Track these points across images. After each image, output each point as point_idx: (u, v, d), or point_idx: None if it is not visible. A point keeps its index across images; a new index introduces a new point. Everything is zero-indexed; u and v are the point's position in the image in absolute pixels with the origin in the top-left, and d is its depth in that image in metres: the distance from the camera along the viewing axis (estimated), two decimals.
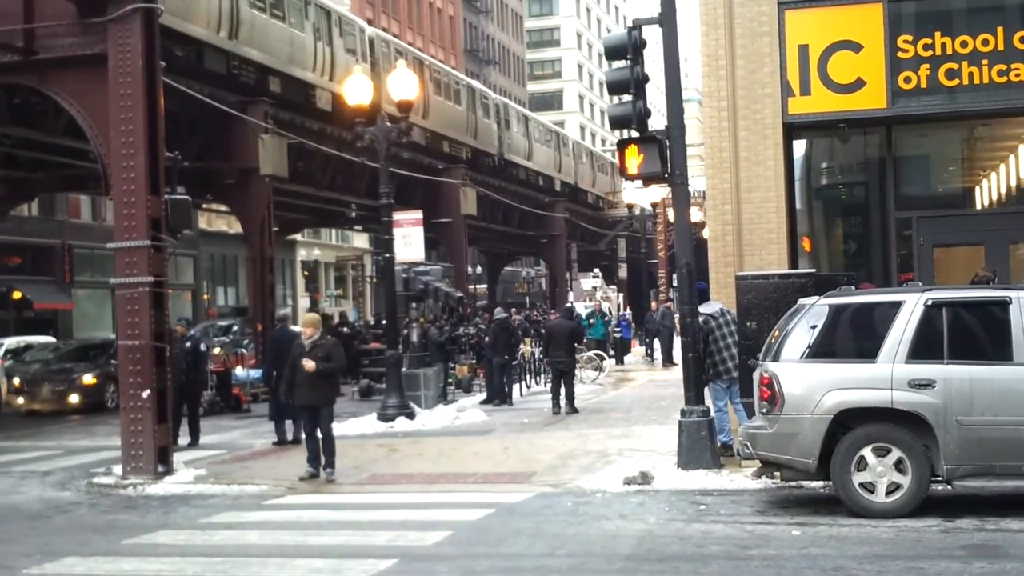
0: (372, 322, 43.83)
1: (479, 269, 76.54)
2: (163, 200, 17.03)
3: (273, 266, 36.75)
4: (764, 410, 12.21)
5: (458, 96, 51.62)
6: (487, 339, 28.02)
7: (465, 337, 31.63)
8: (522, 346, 31.43)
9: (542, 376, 31.61)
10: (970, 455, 11.49)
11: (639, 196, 50.46)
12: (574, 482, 14.64)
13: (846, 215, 19.71)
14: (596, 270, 66.32)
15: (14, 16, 17.21)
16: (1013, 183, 18.67)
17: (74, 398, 28.84)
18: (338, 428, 17.70)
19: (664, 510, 12.59)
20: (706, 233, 18.37)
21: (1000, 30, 16.38)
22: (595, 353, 35.47)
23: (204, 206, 47.34)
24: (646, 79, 15.87)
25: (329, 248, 72.35)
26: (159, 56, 16.98)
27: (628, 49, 15.78)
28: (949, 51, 16.50)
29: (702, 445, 14.83)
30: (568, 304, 37.20)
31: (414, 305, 28.71)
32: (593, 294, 59.03)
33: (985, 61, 16.38)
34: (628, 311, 54.21)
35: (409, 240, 28.93)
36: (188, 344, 21.10)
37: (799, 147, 18.24)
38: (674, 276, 36.31)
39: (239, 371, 29.48)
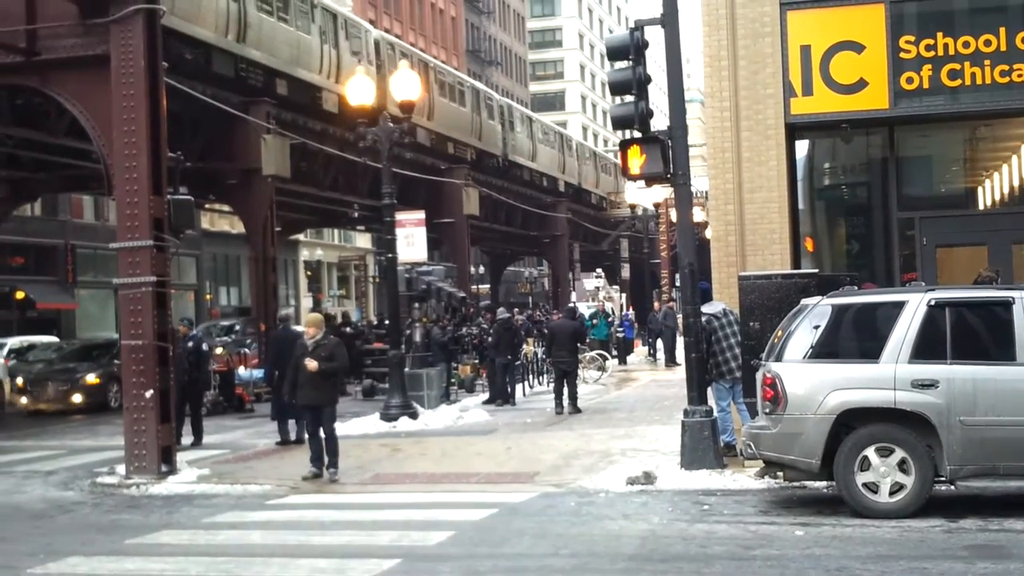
0: (375, 322, 43.81)
1: (482, 269, 76.63)
2: (166, 200, 17.05)
3: (276, 266, 36.80)
4: (767, 410, 12.22)
5: (463, 98, 51.74)
6: (490, 339, 28.01)
7: (468, 337, 31.62)
8: (525, 346, 31.43)
9: (545, 376, 31.60)
10: (973, 455, 11.49)
11: (641, 196, 50.50)
12: (577, 482, 14.65)
13: (849, 215, 19.71)
14: (599, 270, 66.30)
15: (16, 17, 17.23)
16: (1016, 183, 18.67)
17: (77, 398, 28.87)
18: (341, 428, 17.70)
19: (667, 510, 12.60)
20: (709, 233, 18.40)
21: (1002, 30, 16.37)
22: (598, 353, 35.47)
23: (207, 206, 47.32)
24: (648, 80, 15.88)
25: (332, 248, 72.37)
26: (161, 57, 16.99)
27: (630, 50, 15.79)
28: (951, 52, 16.48)
29: (705, 445, 14.84)
30: (571, 304, 37.18)
31: (417, 305, 28.71)
32: (596, 294, 59.04)
33: (987, 62, 16.37)
34: (631, 311, 54.21)
35: (412, 240, 28.91)
36: (190, 344, 21.13)
37: (801, 147, 18.23)
38: (677, 276, 36.32)
39: (242, 371, 29.50)
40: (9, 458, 19.94)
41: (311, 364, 15.54)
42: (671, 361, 38.50)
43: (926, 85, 16.62)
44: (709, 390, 15.82)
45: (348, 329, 36.15)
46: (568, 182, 69.24)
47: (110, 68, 16.54)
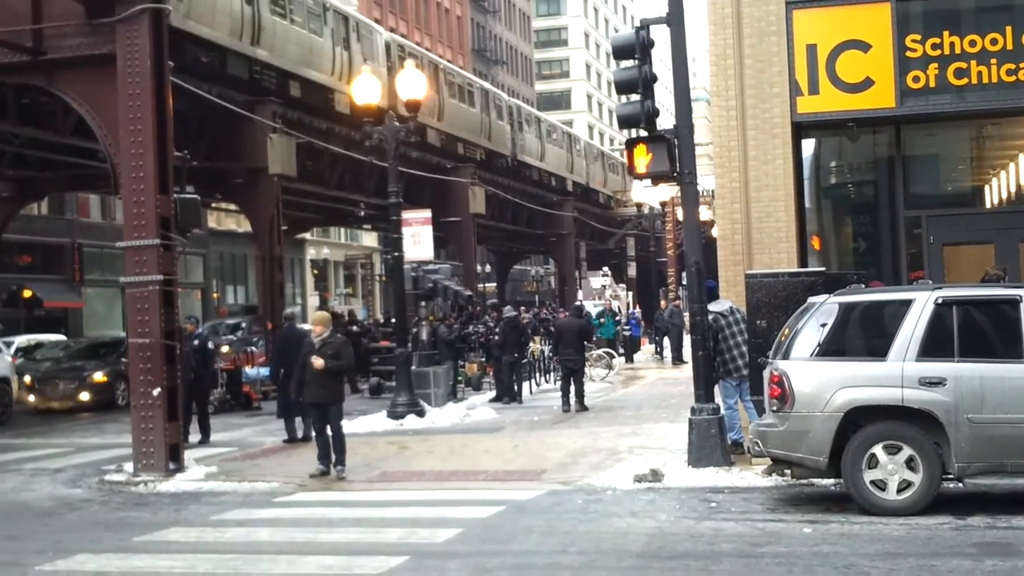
0: (382, 320, 43.83)
1: (488, 268, 76.61)
2: (172, 199, 17.07)
3: (282, 265, 36.83)
4: (774, 408, 12.23)
5: (472, 98, 51.97)
6: (496, 338, 28.02)
7: (474, 335, 31.65)
8: (531, 344, 31.44)
9: (552, 374, 31.63)
10: (981, 453, 11.49)
11: (648, 195, 50.47)
12: (584, 480, 14.67)
13: (855, 214, 19.70)
14: (605, 268, 66.32)
15: (23, 16, 17.25)
16: (1022, 182, 18.65)
17: (85, 396, 28.94)
18: (348, 426, 17.73)
19: (675, 508, 12.61)
20: (715, 232, 18.39)
21: (1009, 29, 16.35)
22: (605, 351, 35.48)
23: (213, 205, 47.42)
24: (654, 78, 15.88)
25: (338, 247, 72.40)
26: (167, 56, 17.01)
27: (636, 49, 15.79)
28: (958, 50, 16.47)
29: (712, 443, 14.85)
30: (578, 302, 37.19)
31: (423, 303, 28.72)
32: (602, 292, 59.02)
33: (994, 60, 16.35)
34: (637, 310, 54.20)
35: (418, 239, 28.91)
36: (196, 342, 21.16)
37: (808, 146, 18.23)
38: (683, 274, 36.28)
39: (249, 369, 29.53)
40: (17, 456, 19.99)
41: (318, 362, 15.57)
42: (678, 359, 38.51)
43: (932, 84, 16.60)
44: (716, 388, 15.83)
45: (355, 328, 36.16)
46: (576, 181, 69.44)
47: (116, 67, 16.57)
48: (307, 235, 63.92)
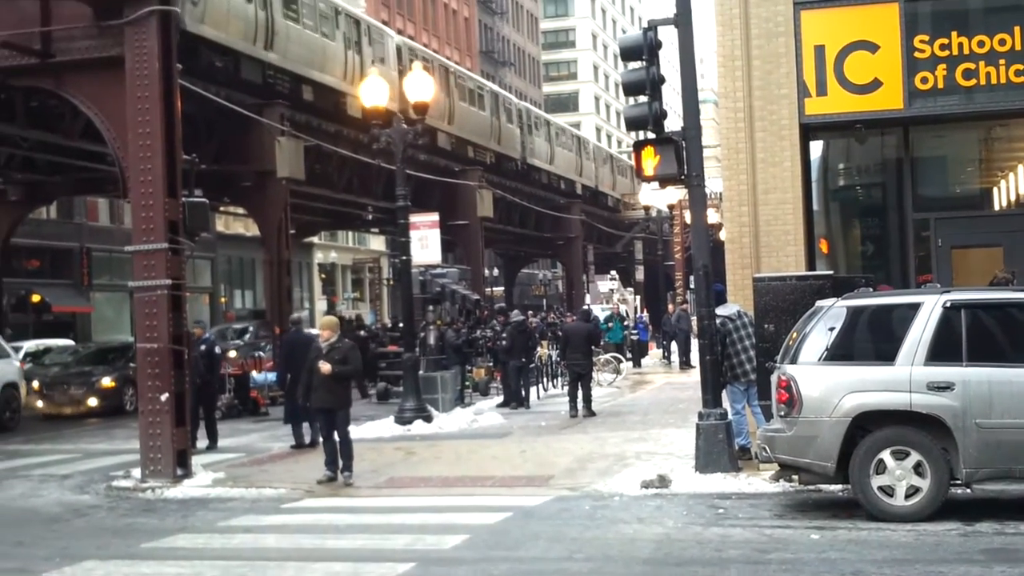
0: (389, 325, 43.85)
1: (496, 271, 76.59)
2: (180, 203, 17.07)
3: (290, 269, 36.90)
4: (782, 413, 12.18)
5: (482, 102, 52.14)
6: (502, 342, 28.00)
7: (482, 340, 31.64)
8: (539, 349, 31.40)
9: (559, 379, 31.57)
10: (989, 458, 11.43)
11: (655, 198, 50.43)
12: (592, 485, 14.62)
13: (863, 216, 19.65)
14: (613, 272, 66.26)
15: (31, 19, 17.24)
16: None
17: (93, 401, 28.96)
18: (355, 431, 17.70)
19: (682, 514, 12.56)
20: (723, 235, 18.35)
21: (1017, 30, 16.31)
22: (612, 356, 35.42)
23: (221, 209, 47.45)
24: (662, 80, 15.84)
25: (346, 250, 72.46)
26: (176, 59, 17.01)
27: (644, 50, 15.75)
28: (966, 51, 16.43)
29: (720, 448, 14.80)
30: (585, 306, 37.16)
31: (431, 308, 28.72)
32: (610, 296, 58.96)
33: (1002, 61, 16.31)
34: (645, 314, 54.15)
35: (426, 242, 28.93)
36: (203, 347, 21.15)
37: (816, 148, 18.19)
38: (691, 278, 36.24)
39: (257, 374, 29.53)
40: (25, 462, 19.99)
41: (325, 367, 15.54)
42: (685, 364, 38.46)
43: (941, 85, 16.57)
44: (724, 393, 15.78)
45: (362, 332, 36.18)
46: (585, 185, 69.54)
47: (125, 70, 16.56)
48: (315, 239, 63.98)
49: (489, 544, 11.35)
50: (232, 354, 29.57)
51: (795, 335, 12.61)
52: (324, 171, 40.30)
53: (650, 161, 15.62)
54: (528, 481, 15.47)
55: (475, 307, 36.25)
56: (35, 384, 29.27)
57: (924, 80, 16.55)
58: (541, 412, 25.47)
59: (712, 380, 15.37)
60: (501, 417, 24.09)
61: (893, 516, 11.46)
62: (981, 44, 16.39)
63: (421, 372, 24.36)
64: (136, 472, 16.75)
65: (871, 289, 14.26)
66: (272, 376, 28.56)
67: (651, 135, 15.93)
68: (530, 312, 40.33)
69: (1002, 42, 16.33)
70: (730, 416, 15.39)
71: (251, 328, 41.11)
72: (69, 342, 38.20)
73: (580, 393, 24.12)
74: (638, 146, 15.93)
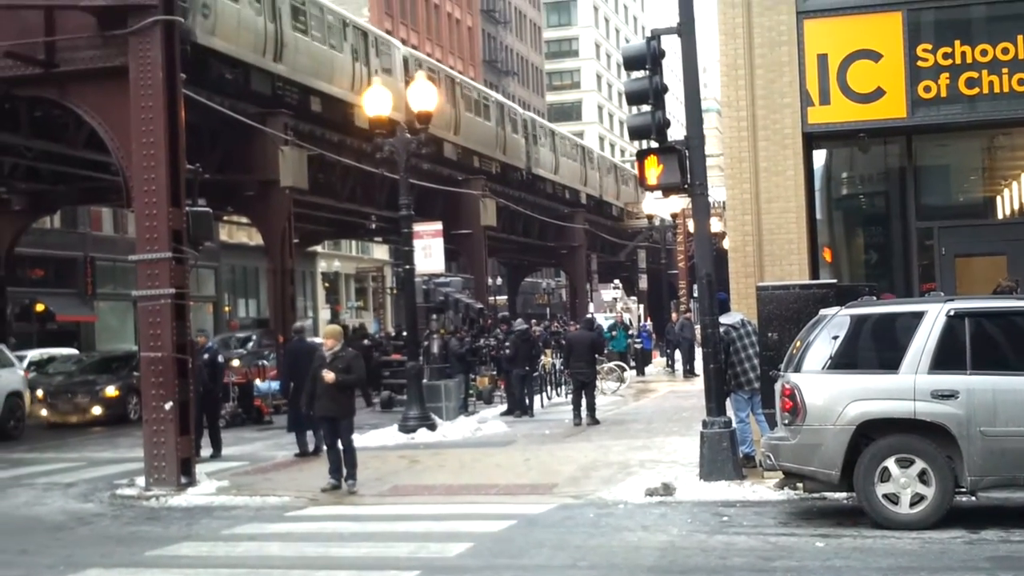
0: (393, 333, 43.87)
1: (499, 280, 76.61)
2: (184, 212, 17.09)
3: (294, 278, 36.90)
4: (786, 421, 12.18)
5: (487, 112, 52.38)
6: (506, 351, 28.00)
7: (486, 348, 31.64)
8: (543, 357, 31.40)
9: (563, 387, 31.57)
10: (994, 466, 11.43)
11: (659, 207, 50.44)
12: (596, 493, 14.63)
13: (867, 225, 19.64)
14: (616, 281, 66.30)
15: (35, 29, 17.28)
16: None
17: (97, 410, 28.97)
18: (359, 440, 17.71)
19: (686, 521, 12.56)
20: (726, 243, 18.34)
21: (1020, 38, 16.28)
22: (616, 364, 35.43)
23: (225, 218, 47.54)
24: (665, 89, 15.87)
25: (349, 260, 72.49)
26: (179, 68, 17.05)
27: (647, 59, 15.78)
28: (969, 60, 16.42)
29: (724, 456, 14.80)
30: (589, 315, 37.16)
31: (435, 316, 28.73)
32: (614, 305, 58.98)
33: (1005, 70, 16.30)
34: (649, 322, 54.15)
35: (429, 251, 28.93)
36: (206, 356, 21.16)
37: (819, 157, 18.19)
38: (694, 287, 36.23)
39: (261, 383, 29.55)
40: (29, 470, 20.01)
41: (328, 376, 15.55)
42: (689, 372, 38.45)
43: (944, 94, 16.55)
44: (728, 401, 15.78)
45: (366, 341, 36.19)
46: (590, 194, 69.70)
47: (129, 80, 16.60)
48: (318, 248, 64.03)
49: (493, 552, 11.35)
50: (235, 363, 29.57)
51: (799, 344, 12.61)
52: (328, 180, 40.35)
53: (653, 170, 15.65)
54: (532, 489, 15.48)
55: (479, 316, 36.27)
56: (39, 393, 29.28)
57: (927, 89, 16.55)
58: (545, 420, 25.48)
59: (716, 388, 15.37)
60: (505, 425, 24.09)
61: (898, 524, 11.46)
62: (984, 53, 16.38)
63: (425, 381, 24.38)
64: (140, 480, 16.76)
65: (875, 298, 14.24)
66: (276, 385, 28.57)
67: (654, 144, 15.96)
68: (533, 321, 40.24)
69: (1005, 51, 16.32)
70: (734, 424, 15.38)
71: (254, 337, 41.13)
72: (73, 351, 38.24)
73: (584, 401, 24.12)
74: (641, 155, 15.95)
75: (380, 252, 73.33)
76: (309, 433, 19.70)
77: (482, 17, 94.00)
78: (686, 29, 15.60)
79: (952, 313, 11.79)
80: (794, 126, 16.89)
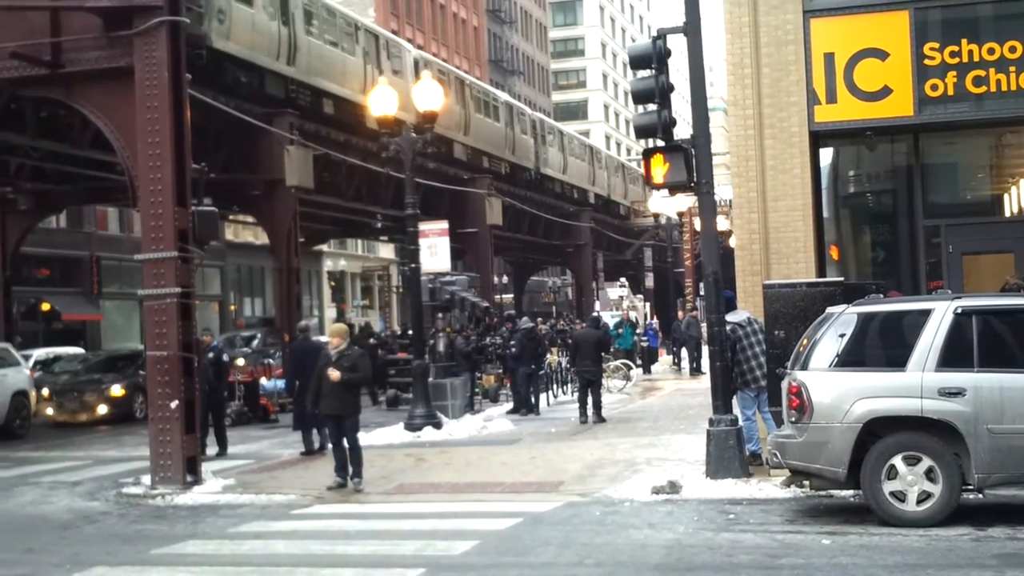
0: (399, 332, 43.89)
1: (505, 279, 76.59)
2: (190, 211, 17.10)
3: (299, 277, 36.93)
4: (793, 419, 12.17)
5: (496, 113, 52.57)
6: (512, 349, 27.98)
7: (491, 347, 31.63)
8: (549, 356, 31.40)
9: (569, 385, 31.58)
10: (1001, 463, 11.41)
11: (665, 205, 50.41)
12: (602, 491, 14.62)
13: (874, 223, 19.62)
14: (622, 279, 66.23)
15: (41, 30, 17.31)
16: None
17: (103, 409, 28.99)
18: (365, 438, 17.72)
19: (693, 519, 12.55)
20: (733, 242, 18.31)
21: None
22: (623, 362, 35.41)
23: (231, 217, 47.56)
24: (671, 88, 15.86)
25: (355, 258, 72.53)
26: (185, 68, 17.06)
27: (653, 58, 15.77)
28: (976, 58, 16.38)
29: (730, 454, 14.79)
30: (595, 313, 37.15)
31: (440, 315, 28.72)
32: (620, 303, 58.96)
33: (1012, 68, 16.26)
34: (655, 320, 54.12)
35: (435, 250, 28.95)
36: (211, 355, 21.19)
37: (826, 155, 18.15)
38: (700, 285, 36.18)
39: (266, 381, 29.57)
40: (35, 469, 20.02)
41: (334, 374, 15.55)
42: (695, 370, 38.44)
43: (951, 92, 16.52)
44: (734, 399, 15.76)
45: (371, 339, 36.21)
46: (598, 193, 69.85)
47: (134, 80, 16.61)
48: (324, 247, 64.10)
49: (499, 550, 11.34)
50: (240, 361, 29.58)
51: (806, 341, 12.60)
52: (333, 179, 40.41)
53: (660, 169, 15.64)
54: (538, 487, 15.47)
55: (484, 314, 36.22)
56: (45, 392, 29.31)
57: (934, 87, 16.51)
58: (551, 419, 25.47)
59: (722, 386, 15.36)
60: (511, 423, 24.09)
61: (905, 521, 11.45)
62: (991, 51, 16.34)
63: (431, 379, 24.38)
64: (146, 479, 16.78)
65: (882, 296, 14.22)
66: (281, 383, 28.59)
67: (661, 143, 15.95)
68: (539, 319, 40.26)
69: (1012, 49, 16.28)
70: (740, 422, 15.38)
71: (259, 335, 41.18)
72: (79, 350, 38.24)
73: (590, 399, 24.11)
74: (648, 154, 15.94)
75: (386, 251, 73.38)
76: (315, 431, 19.70)
77: (488, 17, 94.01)
78: (692, 28, 15.59)
79: (959, 311, 11.77)
80: (801, 124, 16.87)
